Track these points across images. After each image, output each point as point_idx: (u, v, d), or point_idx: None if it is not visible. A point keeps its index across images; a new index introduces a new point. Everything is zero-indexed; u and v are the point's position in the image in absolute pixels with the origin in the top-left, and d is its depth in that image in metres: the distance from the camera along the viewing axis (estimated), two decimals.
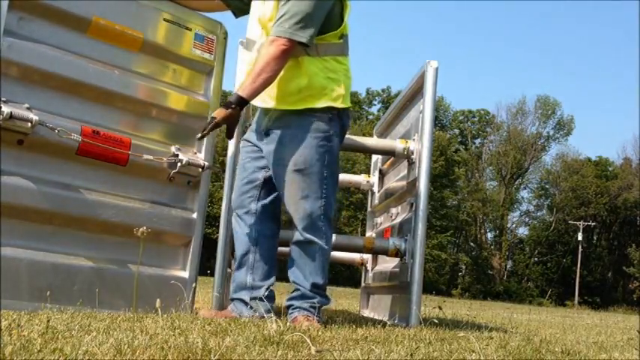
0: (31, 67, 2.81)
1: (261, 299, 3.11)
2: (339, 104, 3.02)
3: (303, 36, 2.89)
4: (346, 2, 3.08)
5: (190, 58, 3.33)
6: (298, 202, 3.02)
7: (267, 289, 3.16)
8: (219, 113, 2.94)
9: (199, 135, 2.96)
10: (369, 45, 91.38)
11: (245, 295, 3.14)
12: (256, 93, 2.95)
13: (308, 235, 3.02)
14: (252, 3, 3.24)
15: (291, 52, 2.92)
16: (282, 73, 2.97)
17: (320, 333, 2.51)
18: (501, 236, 58.08)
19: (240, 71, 3.42)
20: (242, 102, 2.95)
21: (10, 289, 2.69)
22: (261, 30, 3.12)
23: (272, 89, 3.03)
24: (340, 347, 2.16)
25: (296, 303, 3.04)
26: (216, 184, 33.99)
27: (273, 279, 3.20)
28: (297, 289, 3.06)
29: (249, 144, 3.27)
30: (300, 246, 3.06)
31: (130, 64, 3.15)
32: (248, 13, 3.31)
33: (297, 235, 3.06)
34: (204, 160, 3.35)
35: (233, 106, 2.93)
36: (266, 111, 3.15)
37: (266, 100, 3.08)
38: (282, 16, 2.90)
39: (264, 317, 2.76)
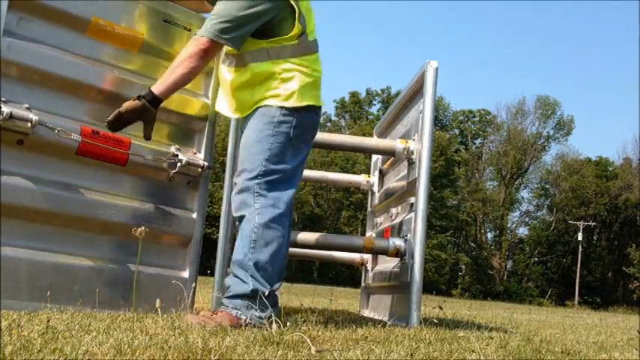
0: (31, 67, 2.81)
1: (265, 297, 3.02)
2: (290, 103, 2.91)
3: (226, 38, 2.84)
4: (300, 7, 2.94)
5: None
6: (234, 180, 2.95)
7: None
8: (126, 103, 2.86)
9: (105, 123, 2.86)
10: (369, 45, 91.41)
11: None
12: (170, 90, 2.89)
13: (236, 213, 2.90)
14: None
15: (212, 53, 2.90)
16: (235, 82, 2.95)
17: (320, 333, 2.51)
18: (501, 236, 58.09)
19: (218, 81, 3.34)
20: (154, 97, 2.86)
21: (10, 289, 2.69)
22: None
23: (230, 100, 3.02)
24: (340, 347, 2.16)
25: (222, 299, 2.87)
26: (216, 184, 33.97)
27: (279, 283, 2.95)
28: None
29: None
30: (238, 226, 2.92)
31: (130, 64, 3.15)
32: None
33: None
34: (204, 160, 3.35)
35: (141, 98, 2.85)
36: None
37: (228, 111, 3.07)
38: (211, 15, 2.88)
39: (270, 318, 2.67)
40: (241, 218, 2.86)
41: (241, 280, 2.77)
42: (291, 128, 2.94)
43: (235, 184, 2.93)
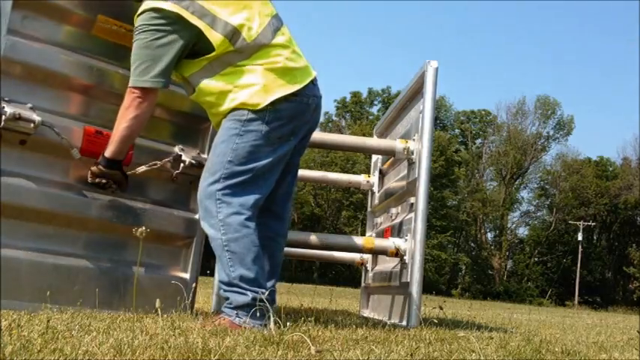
0: (35, 66, 2.81)
1: (261, 300, 3.02)
2: (255, 108, 2.76)
3: (148, 80, 2.74)
4: (212, 15, 2.75)
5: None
6: (199, 184, 2.85)
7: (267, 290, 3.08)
8: (90, 177, 2.91)
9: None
10: (369, 45, 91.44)
11: None
12: (119, 148, 2.84)
13: (202, 224, 2.82)
14: None
15: (146, 99, 2.77)
16: (201, 101, 2.89)
17: (320, 333, 2.51)
18: (501, 236, 58.09)
19: None
20: (110, 162, 2.86)
21: (11, 289, 2.69)
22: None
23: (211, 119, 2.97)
24: (340, 347, 2.17)
25: (222, 308, 2.81)
26: None
27: (273, 281, 2.97)
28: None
29: None
30: None
31: None
32: None
33: None
34: None
35: (101, 168, 2.87)
36: None
37: (214, 126, 3.00)
38: (132, 64, 2.79)
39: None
40: (207, 234, 2.79)
41: (238, 292, 2.70)
42: (263, 124, 2.78)
43: (198, 186, 2.83)
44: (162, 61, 2.74)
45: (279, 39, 2.87)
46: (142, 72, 2.74)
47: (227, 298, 2.74)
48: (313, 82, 2.93)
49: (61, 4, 2.87)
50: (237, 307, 2.68)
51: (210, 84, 2.80)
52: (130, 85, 2.77)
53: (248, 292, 2.68)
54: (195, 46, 2.78)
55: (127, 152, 2.91)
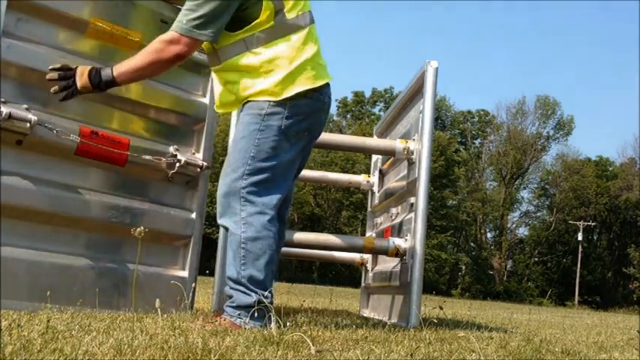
0: (30, 67, 2.82)
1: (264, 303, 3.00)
2: (277, 97, 2.72)
3: (203, 33, 2.65)
4: None
5: (187, 59, 3.33)
6: (219, 181, 2.78)
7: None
8: (84, 85, 2.68)
9: (60, 98, 2.71)
10: (369, 45, 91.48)
11: None
12: (129, 77, 2.73)
13: (221, 221, 2.76)
14: None
15: (191, 51, 2.71)
16: (219, 80, 2.82)
17: (320, 333, 2.51)
18: (501, 236, 58.09)
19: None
20: (113, 85, 2.73)
21: (10, 289, 2.69)
22: None
23: (220, 97, 2.87)
24: (340, 347, 2.16)
25: (224, 306, 2.79)
26: (216, 184, 33.97)
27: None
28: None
29: None
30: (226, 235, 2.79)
31: None
32: None
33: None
34: (203, 160, 3.35)
35: (103, 86, 2.70)
36: None
37: (221, 108, 2.93)
38: (184, 11, 2.68)
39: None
40: (225, 228, 2.74)
41: (243, 292, 2.68)
42: (283, 119, 2.74)
43: (219, 182, 2.76)
44: (222, 18, 2.66)
45: (313, 30, 2.84)
46: (201, 24, 2.64)
47: (230, 297, 2.72)
48: (328, 83, 2.91)
49: (54, 7, 2.88)
50: (239, 307, 2.67)
51: (238, 60, 2.73)
52: (182, 32, 2.65)
53: (253, 294, 2.66)
54: (240, 9, 2.70)
55: (127, 78, 2.73)
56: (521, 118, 59.44)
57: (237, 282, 2.69)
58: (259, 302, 2.63)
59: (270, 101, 2.71)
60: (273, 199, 2.74)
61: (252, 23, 2.70)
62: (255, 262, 2.68)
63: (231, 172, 2.72)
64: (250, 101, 2.74)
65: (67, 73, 2.69)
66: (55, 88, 2.68)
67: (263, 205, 2.70)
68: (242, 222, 2.67)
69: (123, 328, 2.20)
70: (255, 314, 2.62)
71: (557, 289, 53.94)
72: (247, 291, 2.67)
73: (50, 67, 2.69)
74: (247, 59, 2.71)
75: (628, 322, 10.80)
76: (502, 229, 58.28)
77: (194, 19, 2.63)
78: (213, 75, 2.88)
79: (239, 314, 2.66)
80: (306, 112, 2.80)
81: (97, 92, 2.74)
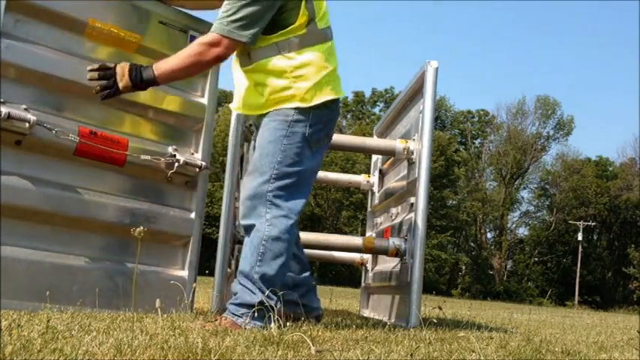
0: (28, 68, 2.82)
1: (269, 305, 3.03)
2: (310, 101, 2.78)
3: (244, 34, 2.69)
4: None
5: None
6: (243, 184, 2.85)
7: (307, 280, 3.12)
8: (126, 84, 2.71)
9: (102, 97, 2.72)
10: (371, 45, 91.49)
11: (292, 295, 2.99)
12: (169, 76, 2.77)
13: (245, 221, 2.77)
14: None
15: (229, 55, 2.77)
16: (247, 81, 2.85)
17: (320, 333, 2.51)
18: (501, 236, 58.07)
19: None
20: (153, 85, 2.78)
21: (10, 289, 2.69)
22: None
23: (244, 99, 2.90)
24: (340, 347, 2.16)
25: (227, 304, 2.80)
26: (216, 184, 33.93)
27: (307, 273, 3.12)
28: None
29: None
30: (246, 237, 2.81)
31: None
32: None
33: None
34: (202, 160, 3.35)
35: (144, 85, 2.75)
36: None
37: (243, 109, 2.97)
38: (226, 12, 2.70)
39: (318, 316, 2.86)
40: (250, 227, 2.74)
41: (249, 290, 2.69)
42: (307, 127, 2.80)
43: (245, 185, 2.80)
44: (262, 21, 2.71)
45: (334, 44, 2.94)
46: (242, 26, 2.68)
47: (235, 293, 2.73)
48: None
49: (53, 8, 2.88)
50: (241, 305, 2.67)
51: (270, 62, 2.77)
52: (223, 33, 2.69)
53: (258, 294, 2.67)
54: (277, 13, 2.74)
55: (168, 77, 2.77)
56: (521, 118, 59.44)
57: (247, 277, 2.70)
58: (261, 303, 2.63)
59: (296, 108, 2.77)
60: (298, 204, 2.78)
61: (287, 28, 2.76)
62: (272, 261, 2.70)
63: (258, 176, 2.75)
64: (279, 105, 2.78)
65: (106, 73, 2.71)
66: (97, 87, 2.70)
67: (288, 210, 2.74)
68: (267, 223, 2.71)
69: (123, 328, 2.20)
70: (256, 314, 2.62)
71: (557, 289, 53.93)
72: (254, 289, 2.69)
73: (88, 67, 2.71)
74: (279, 62, 2.76)
75: (628, 322, 10.80)
76: (502, 229, 58.27)
77: (235, 21, 2.68)
78: (239, 75, 2.90)
79: (241, 313, 2.66)
80: (325, 122, 2.87)
81: (136, 91, 2.77)
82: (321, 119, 2.84)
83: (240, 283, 2.72)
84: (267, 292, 2.66)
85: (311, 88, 2.78)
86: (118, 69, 2.71)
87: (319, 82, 2.79)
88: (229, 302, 2.74)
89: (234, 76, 2.96)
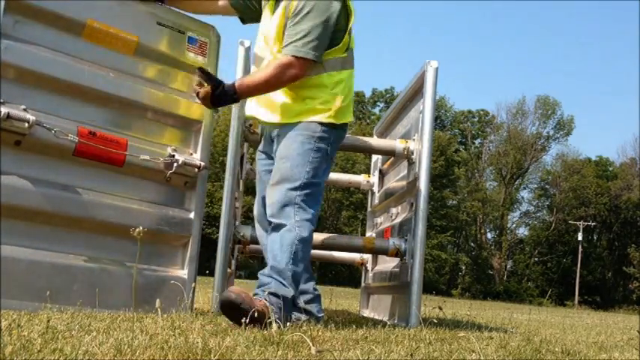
0: (27, 69, 2.82)
1: (307, 303, 3.20)
2: (338, 120, 3.06)
3: (316, 55, 2.95)
4: (351, 12, 3.08)
5: (184, 60, 3.34)
6: (272, 189, 2.99)
7: (314, 289, 3.25)
8: (206, 100, 3.00)
9: (199, 100, 3.03)
10: (371, 45, 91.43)
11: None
12: (250, 91, 3.03)
13: (275, 219, 2.94)
14: (262, 18, 3.23)
15: (304, 69, 2.97)
16: (289, 88, 3.03)
17: (320, 333, 2.51)
18: (501, 236, 58.08)
19: None
20: (232, 100, 3.03)
21: (10, 289, 2.69)
22: (265, 47, 3.12)
23: (273, 106, 3.07)
24: (340, 347, 2.16)
25: (256, 290, 2.90)
26: (216, 184, 33.95)
27: (312, 283, 3.24)
28: (259, 278, 2.94)
29: (264, 155, 3.28)
30: (271, 234, 2.97)
31: (125, 67, 3.15)
32: (257, 21, 3.33)
33: (270, 223, 3.00)
34: (201, 161, 3.35)
35: (226, 101, 3.01)
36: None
37: (270, 115, 3.09)
38: (298, 34, 2.94)
39: (318, 318, 3.02)
40: (279, 226, 2.91)
41: (283, 284, 2.84)
42: (329, 145, 3.06)
43: (275, 190, 2.96)
44: (326, 41, 2.99)
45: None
46: (314, 47, 2.94)
47: (265, 284, 2.83)
48: None
49: (52, 8, 2.88)
50: (276, 295, 2.79)
51: (316, 78, 3.02)
52: (299, 54, 2.92)
53: (290, 289, 2.86)
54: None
55: (246, 95, 3.04)
56: (521, 118, 59.47)
57: (282, 273, 2.85)
58: (293, 298, 2.89)
59: (323, 124, 3.01)
60: (317, 213, 3.02)
61: (332, 49, 3.03)
62: (299, 262, 2.90)
63: (288, 183, 2.95)
64: (303, 122, 3.01)
65: (204, 79, 3.00)
66: (195, 87, 3.04)
67: (312, 215, 2.97)
68: (296, 225, 2.90)
69: (123, 328, 2.20)
70: (286, 308, 2.79)
71: (557, 289, 53.93)
72: (287, 284, 2.85)
73: (199, 67, 3.02)
74: (323, 79, 3.03)
75: (628, 322, 10.80)
76: (502, 229, 58.27)
77: (308, 43, 2.93)
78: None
79: (274, 302, 2.77)
80: (338, 141, 3.18)
81: (215, 104, 3.00)
82: (338, 139, 3.14)
83: (274, 278, 2.84)
84: (295, 288, 2.88)
85: (342, 108, 3.06)
86: (203, 90, 2.99)
87: (347, 104, 3.10)
88: (263, 290, 2.81)
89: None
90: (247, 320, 2.44)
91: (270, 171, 3.13)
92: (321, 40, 2.95)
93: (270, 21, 3.10)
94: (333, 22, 2.97)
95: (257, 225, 3.31)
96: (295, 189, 2.93)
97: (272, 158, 3.17)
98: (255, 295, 2.80)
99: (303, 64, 2.93)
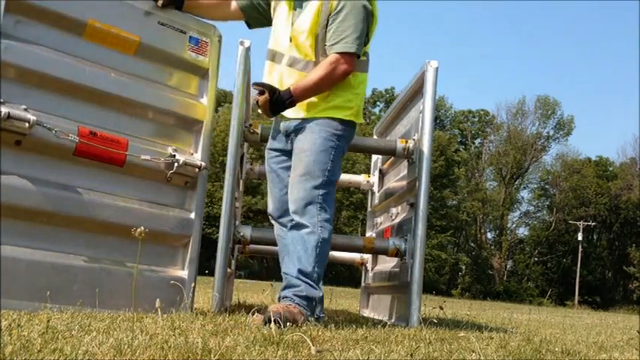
0: (28, 69, 2.82)
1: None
2: (358, 119, 3.19)
3: (361, 49, 3.09)
4: (375, 19, 3.20)
5: (185, 60, 3.34)
6: (295, 183, 3.06)
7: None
8: (266, 110, 3.08)
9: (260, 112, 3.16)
10: (372, 45, 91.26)
11: None
12: (306, 94, 3.09)
13: (298, 218, 3.02)
14: (278, 15, 3.27)
15: (353, 63, 3.09)
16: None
17: (320, 333, 2.51)
18: (501, 236, 58.06)
19: (269, 82, 3.28)
20: (290, 103, 3.08)
21: (10, 289, 2.69)
22: (289, 42, 3.16)
23: (302, 102, 3.14)
24: (340, 347, 2.16)
25: (283, 293, 2.98)
26: (216, 184, 33.96)
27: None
28: (285, 279, 3.02)
29: (277, 152, 3.32)
30: (291, 232, 3.05)
31: (126, 67, 3.15)
32: (264, 25, 3.39)
33: (291, 220, 3.07)
34: (201, 161, 3.35)
35: (285, 106, 3.08)
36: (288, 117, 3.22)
37: (295, 112, 3.15)
38: (345, 31, 3.04)
39: (318, 317, 3.02)
40: (301, 225, 3.00)
41: (312, 286, 2.95)
42: (346, 143, 3.20)
43: (298, 185, 3.04)
44: (364, 41, 3.12)
45: None
46: (360, 43, 3.07)
47: (293, 286, 2.93)
48: None
49: (53, 8, 2.88)
50: (307, 298, 2.91)
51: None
52: (350, 51, 3.04)
53: (319, 290, 3.00)
54: None
55: (303, 98, 3.10)
56: (521, 118, 59.45)
57: (309, 276, 2.96)
58: (321, 299, 3.02)
59: (343, 122, 3.12)
60: (333, 212, 3.12)
61: None
62: (322, 263, 3.02)
63: (311, 180, 3.04)
64: (324, 118, 3.10)
65: (261, 89, 3.11)
66: (255, 97, 3.13)
67: (331, 214, 3.08)
68: (319, 225, 3.00)
69: (123, 328, 2.20)
70: (313, 309, 2.93)
71: (557, 289, 53.92)
72: (315, 285, 2.97)
73: (254, 82, 3.16)
74: (349, 78, 3.13)
75: (628, 322, 10.80)
76: (502, 229, 58.26)
77: (356, 40, 3.06)
78: (292, 81, 3.12)
79: (306, 305, 2.90)
80: (350, 141, 3.29)
81: (273, 109, 3.08)
82: (351, 138, 3.27)
83: (303, 281, 2.94)
84: (319, 288, 2.99)
85: (359, 108, 3.20)
86: (263, 100, 3.07)
87: (361, 105, 3.22)
88: (293, 293, 2.91)
89: (283, 82, 3.15)
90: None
91: (288, 167, 3.20)
92: (363, 39, 3.09)
93: (294, 14, 3.16)
94: (367, 23, 3.11)
95: (277, 222, 3.34)
96: (317, 187, 3.03)
97: (287, 154, 3.23)
98: (284, 297, 2.92)
99: (352, 59, 3.06)
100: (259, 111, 3.16)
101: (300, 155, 3.09)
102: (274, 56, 3.24)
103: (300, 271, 2.94)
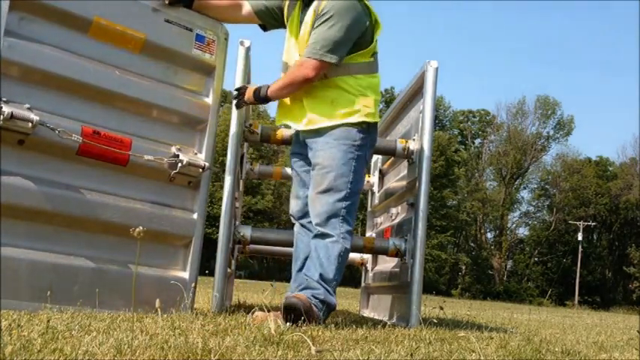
0: (32, 67, 2.81)
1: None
2: (370, 119, 3.16)
3: (332, 57, 3.06)
4: (378, 23, 3.23)
5: (191, 58, 3.33)
6: (317, 199, 3.12)
7: None
8: (249, 97, 3.33)
9: (235, 105, 3.45)
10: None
11: None
12: (278, 94, 3.23)
13: (321, 229, 3.10)
14: (288, 26, 3.32)
15: (321, 72, 3.09)
16: (315, 92, 3.16)
17: (320, 333, 2.51)
18: (501, 236, 58.05)
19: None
20: (267, 100, 3.28)
21: (10, 289, 2.69)
22: (299, 56, 3.21)
23: (301, 112, 3.19)
24: (340, 347, 2.17)
25: (302, 292, 3.03)
26: (216, 184, 33.91)
27: None
28: (306, 280, 3.08)
29: (300, 156, 3.38)
30: (315, 239, 3.12)
31: (131, 65, 3.14)
32: (279, 28, 3.43)
33: (314, 230, 3.14)
34: (205, 161, 3.34)
35: (262, 100, 3.27)
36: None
37: (299, 122, 3.21)
38: (317, 37, 3.06)
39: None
40: (325, 235, 3.08)
41: (330, 293, 3.05)
42: (367, 150, 3.22)
43: (321, 200, 3.10)
44: (345, 46, 3.10)
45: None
46: (330, 50, 3.06)
47: (310, 287, 3.01)
48: None
49: (58, 6, 2.87)
50: (323, 302, 2.99)
51: (343, 81, 3.16)
52: (312, 56, 3.06)
53: (334, 298, 3.08)
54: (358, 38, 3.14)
55: (275, 97, 3.26)
56: (521, 118, 59.44)
57: (329, 282, 3.05)
58: (335, 306, 3.11)
59: (359, 130, 3.14)
60: (354, 222, 3.19)
61: (358, 53, 3.15)
62: (340, 273, 3.12)
63: (334, 193, 3.10)
64: (343, 126, 3.12)
65: (240, 91, 3.41)
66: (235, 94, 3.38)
67: (352, 228, 3.15)
68: (341, 236, 3.10)
69: (123, 328, 2.20)
70: (325, 315, 3.02)
71: (557, 289, 53.92)
72: (333, 293, 3.07)
73: (235, 87, 3.39)
74: (350, 81, 3.15)
75: (628, 322, 10.80)
76: (502, 229, 58.25)
77: (324, 46, 3.05)
78: (299, 93, 3.20)
79: (321, 307, 2.97)
80: (373, 145, 3.32)
81: (258, 104, 3.41)
82: (373, 142, 3.29)
83: (323, 286, 3.03)
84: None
85: (372, 107, 3.17)
86: (248, 88, 3.34)
87: (375, 105, 3.19)
88: (312, 294, 2.98)
89: (296, 93, 3.22)
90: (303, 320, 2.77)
91: (308, 171, 3.26)
92: (341, 44, 3.06)
93: (298, 30, 3.22)
94: (357, 27, 3.08)
95: (298, 222, 3.38)
96: (340, 200, 3.09)
97: (306, 159, 3.30)
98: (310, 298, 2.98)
99: (317, 65, 3.05)
100: (244, 99, 3.38)
101: (321, 172, 3.14)
102: (288, 69, 3.29)
103: (321, 276, 3.03)
